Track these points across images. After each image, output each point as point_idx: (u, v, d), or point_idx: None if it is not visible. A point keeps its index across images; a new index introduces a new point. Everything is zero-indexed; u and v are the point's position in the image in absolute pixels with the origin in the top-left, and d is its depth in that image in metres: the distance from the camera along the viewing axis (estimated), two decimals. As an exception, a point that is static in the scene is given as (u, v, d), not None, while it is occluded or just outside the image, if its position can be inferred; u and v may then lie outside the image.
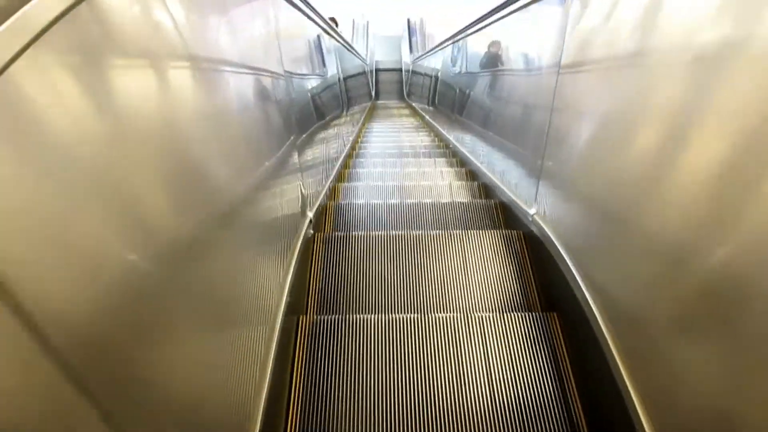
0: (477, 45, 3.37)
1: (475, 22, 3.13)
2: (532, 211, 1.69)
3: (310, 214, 1.68)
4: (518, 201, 1.94)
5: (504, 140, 2.34)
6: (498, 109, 2.57)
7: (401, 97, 10.47)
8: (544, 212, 1.58)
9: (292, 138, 1.52)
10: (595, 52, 1.22)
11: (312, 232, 1.66)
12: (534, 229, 1.66)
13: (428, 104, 6.67)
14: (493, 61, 2.83)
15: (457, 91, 4.11)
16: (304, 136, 1.82)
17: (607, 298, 1.07)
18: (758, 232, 0.61)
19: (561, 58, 1.45)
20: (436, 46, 5.88)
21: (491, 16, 2.60)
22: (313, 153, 2.07)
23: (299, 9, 1.98)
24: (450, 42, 4.63)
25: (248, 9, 1.14)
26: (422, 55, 7.83)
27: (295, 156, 1.55)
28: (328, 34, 3.29)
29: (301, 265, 1.44)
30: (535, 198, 1.69)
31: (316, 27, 2.55)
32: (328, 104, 3.19)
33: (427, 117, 6.23)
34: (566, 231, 1.38)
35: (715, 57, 0.71)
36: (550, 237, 1.48)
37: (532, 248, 1.73)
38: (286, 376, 1.20)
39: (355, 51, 6.25)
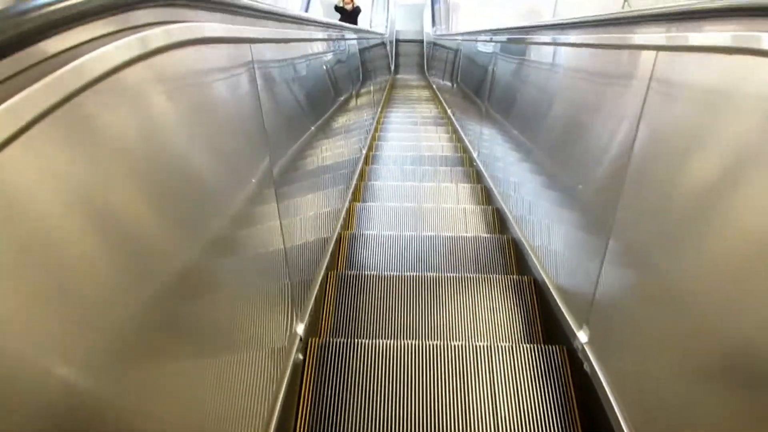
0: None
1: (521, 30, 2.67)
2: (582, 336, 1.32)
3: (300, 329, 1.33)
4: (557, 297, 1.55)
5: (542, 188, 1.94)
6: (539, 139, 2.15)
7: (421, 72, 9.87)
8: (604, 348, 1.21)
9: (266, 163, 1.13)
10: None
11: (301, 357, 1.31)
12: (586, 367, 1.27)
13: (451, 83, 6.15)
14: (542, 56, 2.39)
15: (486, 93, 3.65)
16: (291, 152, 1.44)
17: None
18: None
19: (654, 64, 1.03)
20: (464, 36, 5.37)
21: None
22: (307, 190, 1.70)
23: None
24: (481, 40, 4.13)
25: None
26: (447, 35, 7.24)
27: (272, 200, 1.17)
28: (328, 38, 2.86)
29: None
30: (590, 310, 1.30)
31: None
32: (337, 87, 2.79)
33: (449, 110, 5.75)
34: None
35: None
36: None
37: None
38: None
39: (368, 33, 5.74)
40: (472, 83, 4.39)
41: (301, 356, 1.30)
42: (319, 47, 2.25)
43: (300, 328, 1.33)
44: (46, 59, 0.43)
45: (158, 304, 0.61)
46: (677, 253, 0.89)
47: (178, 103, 0.72)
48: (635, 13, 1.19)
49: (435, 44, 8.59)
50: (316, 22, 2.09)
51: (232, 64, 1.00)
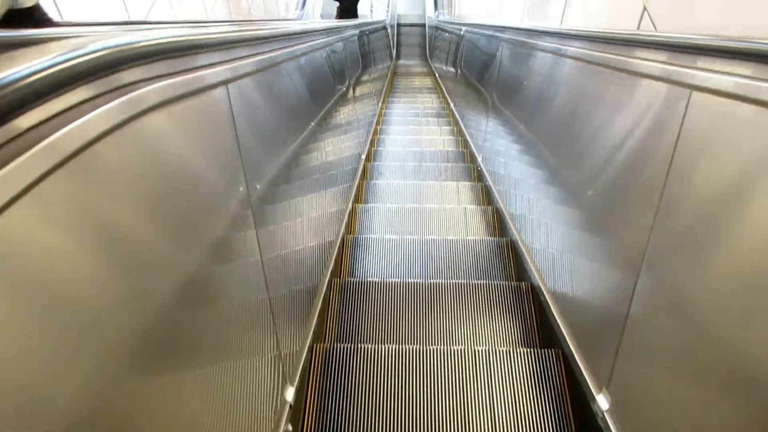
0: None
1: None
2: (602, 401, 1.18)
3: (290, 395, 1.20)
4: (577, 359, 1.39)
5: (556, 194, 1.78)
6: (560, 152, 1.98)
7: (423, 57, 9.60)
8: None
9: (244, 203, 0.99)
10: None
11: (291, 429, 1.18)
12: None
13: (454, 70, 5.93)
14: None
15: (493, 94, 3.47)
16: (277, 185, 1.32)
17: None
18: None
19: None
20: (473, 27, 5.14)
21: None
22: (299, 227, 1.57)
23: None
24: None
25: None
26: (450, 21, 6.99)
27: (256, 253, 1.04)
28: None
29: None
30: (612, 371, 1.16)
31: None
32: (335, 86, 2.66)
33: (452, 102, 5.55)
34: None
35: None
36: None
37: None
38: None
39: (367, 25, 5.52)
40: (475, 73, 4.21)
41: (290, 427, 1.17)
42: (309, 57, 2.08)
43: (289, 393, 1.20)
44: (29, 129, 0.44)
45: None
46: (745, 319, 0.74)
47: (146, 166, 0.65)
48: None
49: (437, 29, 8.34)
50: (304, 32, 1.92)
51: (207, 111, 0.87)
